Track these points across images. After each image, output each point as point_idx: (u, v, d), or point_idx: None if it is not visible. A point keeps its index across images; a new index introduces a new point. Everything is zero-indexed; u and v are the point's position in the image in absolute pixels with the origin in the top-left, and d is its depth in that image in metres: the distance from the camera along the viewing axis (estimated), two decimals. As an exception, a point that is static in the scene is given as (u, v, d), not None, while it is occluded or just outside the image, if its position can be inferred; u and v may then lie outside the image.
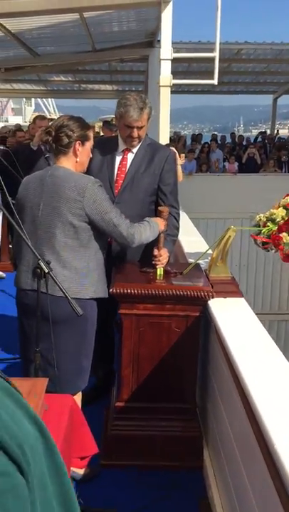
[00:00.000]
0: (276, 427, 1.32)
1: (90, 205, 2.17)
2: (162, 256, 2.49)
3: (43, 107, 42.17)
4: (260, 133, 17.40)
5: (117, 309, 2.38)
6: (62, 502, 0.66)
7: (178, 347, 2.37)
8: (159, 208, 2.56)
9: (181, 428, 2.43)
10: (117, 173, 2.72)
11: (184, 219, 4.16)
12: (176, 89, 12.15)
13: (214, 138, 14.60)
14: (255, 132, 32.82)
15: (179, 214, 2.81)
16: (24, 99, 40.07)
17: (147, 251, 2.59)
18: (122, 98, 2.62)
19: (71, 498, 0.69)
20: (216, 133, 18.39)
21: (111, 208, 2.25)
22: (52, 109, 43.28)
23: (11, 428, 0.58)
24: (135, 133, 2.62)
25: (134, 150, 2.73)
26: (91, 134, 2.36)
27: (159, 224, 2.48)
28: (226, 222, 6.15)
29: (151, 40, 9.06)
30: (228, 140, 15.17)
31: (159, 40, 6.90)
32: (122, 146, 2.74)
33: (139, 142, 2.71)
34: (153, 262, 2.49)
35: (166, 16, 6.01)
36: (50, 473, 0.65)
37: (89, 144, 2.33)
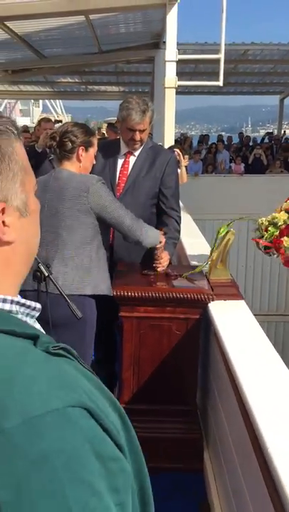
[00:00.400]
0: (271, 432, 1.31)
1: (95, 200, 2.21)
2: (163, 259, 2.50)
3: (51, 108, 42.26)
4: (267, 133, 17.32)
5: (118, 311, 2.40)
6: (141, 496, 0.66)
7: (178, 349, 2.38)
8: (160, 232, 2.54)
9: (182, 430, 2.44)
10: (119, 176, 2.74)
11: (187, 220, 4.16)
12: (182, 90, 12.12)
13: (220, 139, 14.56)
14: (263, 132, 32.71)
15: (180, 217, 2.82)
16: (32, 100, 40.19)
17: (148, 253, 2.60)
18: (124, 101, 2.64)
19: (149, 494, 0.68)
20: (222, 133, 18.33)
21: (115, 202, 2.28)
22: (59, 110, 43.37)
23: (108, 415, 0.59)
24: (137, 136, 2.64)
25: (136, 153, 2.74)
26: (95, 141, 2.39)
27: (160, 237, 2.48)
28: (233, 223, 6.11)
29: (157, 42, 9.06)
30: (237, 140, 15.11)
31: (164, 42, 6.89)
32: (124, 149, 2.75)
33: (141, 145, 2.72)
34: (154, 265, 2.50)
35: (172, 17, 6.01)
36: (133, 463, 0.65)
37: (92, 150, 2.36)
